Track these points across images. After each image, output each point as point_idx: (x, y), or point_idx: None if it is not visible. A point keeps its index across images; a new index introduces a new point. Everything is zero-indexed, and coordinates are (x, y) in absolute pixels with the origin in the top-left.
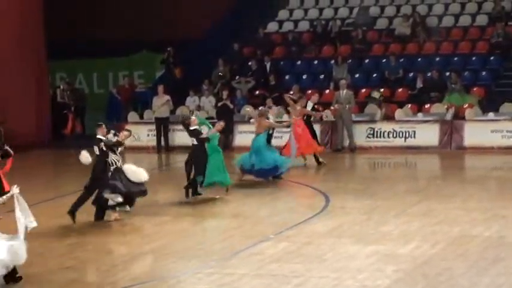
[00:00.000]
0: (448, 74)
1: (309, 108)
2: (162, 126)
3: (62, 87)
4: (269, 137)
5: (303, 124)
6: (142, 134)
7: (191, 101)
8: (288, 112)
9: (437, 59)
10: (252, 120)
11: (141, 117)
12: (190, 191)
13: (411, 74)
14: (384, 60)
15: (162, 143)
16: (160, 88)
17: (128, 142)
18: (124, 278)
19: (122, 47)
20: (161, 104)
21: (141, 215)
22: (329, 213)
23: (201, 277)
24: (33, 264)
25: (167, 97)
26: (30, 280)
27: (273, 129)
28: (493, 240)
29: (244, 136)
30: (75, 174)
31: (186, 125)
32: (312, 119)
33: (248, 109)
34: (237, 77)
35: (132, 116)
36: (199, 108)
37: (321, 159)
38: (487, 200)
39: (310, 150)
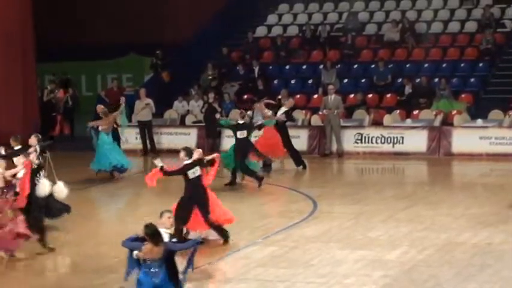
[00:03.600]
0: (436, 80)
1: (280, 112)
2: (146, 129)
3: (49, 88)
4: None
5: (271, 131)
6: (131, 137)
7: (179, 105)
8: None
9: (426, 65)
10: None
11: (130, 120)
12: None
13: (400, 80)
14: (373, 66)
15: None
16: (142, 91)
17: None
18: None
19: (110, 50)
20: (141, 107)
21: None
22: (316, 218)
23: (196, 277)
24: None
25: (148, 100)
26: None
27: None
28: (480, 247)
29: (231, 140)
30: (60, 175)
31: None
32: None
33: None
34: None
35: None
36: (187, 112)
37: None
38: (475, 207)
39: (275, 155)
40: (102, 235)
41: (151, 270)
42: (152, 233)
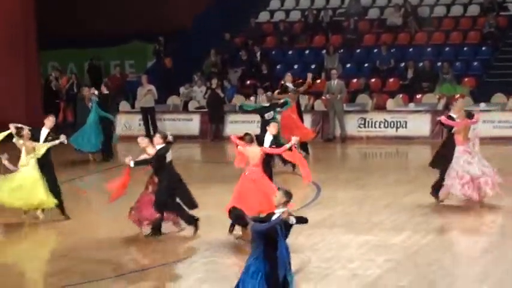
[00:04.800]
0: (439, 64)
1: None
2: (149, 115)
3: (53, 75)
4: None
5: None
6: (133, 123)
7: (186, 92)
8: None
9: (429, 49)
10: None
11: (133, 106)
12: None
13: (402, 64)
14: (375, 50)
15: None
16: (144, 78)
17: (120, 131)
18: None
19: (113, 37)
20: (144, 93)
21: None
22: (320, 203)
23: (196, 266)
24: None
25: (150, 86)
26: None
27: None
28: (484, 230)
29: (235, 126)
30: (62, 162)
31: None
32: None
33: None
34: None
35: (124, 105)
36: (190, 98)
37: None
38: None
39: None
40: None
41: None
42: (236, 217)
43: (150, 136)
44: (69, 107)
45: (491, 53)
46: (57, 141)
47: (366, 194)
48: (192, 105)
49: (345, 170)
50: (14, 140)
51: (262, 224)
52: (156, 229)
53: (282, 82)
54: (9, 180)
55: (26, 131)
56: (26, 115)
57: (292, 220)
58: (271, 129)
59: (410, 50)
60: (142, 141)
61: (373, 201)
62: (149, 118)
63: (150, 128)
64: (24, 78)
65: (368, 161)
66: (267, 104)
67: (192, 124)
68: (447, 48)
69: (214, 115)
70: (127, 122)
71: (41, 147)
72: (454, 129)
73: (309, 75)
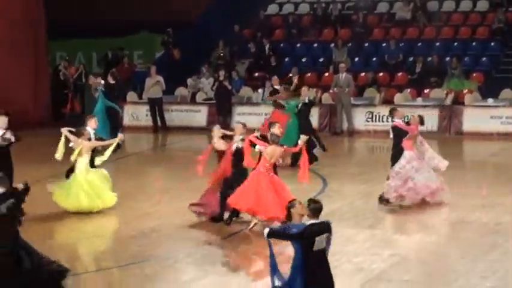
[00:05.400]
0: (448, 59)
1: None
2: (156, 106)
3: (62, 65)
4: None
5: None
6: (141, 113)
7: (193, 84)
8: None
9: (438, 43)
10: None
11: (140, 97)
12: None
13: (411, 59)
14: (384, 45)
15: (159, 123)
16: (153, 69)
17: (127, 122)
18: (122, 256)
19: (121, 27)
20: (152, 84)
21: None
22: (326, 196)
23: (197, 257)
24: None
25: (159, 77)
26: None
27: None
28: (490, 227)
29: (242, 118)
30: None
31: None
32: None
33: None
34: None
35: (131, 95)
36: (198, 89)
37: None
38: (485, 186)
39: None
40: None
41: None
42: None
43: (156, 127)
44: (77, 97)
45: (500, 48)
46: (115, 140)
47: (372, 188)
48: (199, 97)
49: (351, 164)
50: (72, 144)
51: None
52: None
53: (290, 75)
54: (76, 186)
55: (87, 131)
56: (33, 105)
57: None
58: (276, 130)
59: (419, 44)
60: (218, 131)
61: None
62: (157, 109)
63: (158, 119)
64: (33, 68)
65: (375, 155)
66: (307, 101)
67: (200, 116)
68: (456, 43)
69: (222, 107)
70: (134, 113)
71: (99, 147)
72: (408, 135)
73: (294, 72)
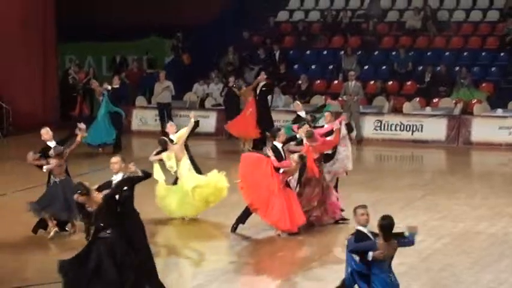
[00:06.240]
0: (457, 68)
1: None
2: (165, 111)
3: (72, 69)
4: None
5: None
6: (149, 118)
7: (200, 89)
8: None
9: (447, 53)
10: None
11: (149, 101)
12: None
13: (420, 68)
14: (394, 53)
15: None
16: (162, 74)
17: (136, 126)
18: None
19: (131, 31)
20: (161, 89)
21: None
22: None
23: (205, 264)
24: None
25: (168, 83)
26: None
27: None
28: (497, 237)
29: None
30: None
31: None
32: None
33: None
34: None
35: (140, 100)
36: (207, 95)
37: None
38: (493, 197)
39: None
40: None
41: (389, 270)
42: (389, 226)
43: (165, 132)
44: (86, 100)
45: (509, 58)
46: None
47: (380, 197)
48: (208, 103)
49: (359, 172)
50: (167, 153)
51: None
52: None
53: (299, 82)
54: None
55: (166, 140)
56: (42, 107)
57: (369, 257)
58: (281, 138)
59: (429, 53)
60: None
61: (387, 204)
62: (166, 114)
63: (166, 124)
64: (42, 70)
65: (383, 163)
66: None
67: (209, 121)
68: (465, 53)
69: (231, 113)
70: (143, 117)
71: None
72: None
73: (303, 79)
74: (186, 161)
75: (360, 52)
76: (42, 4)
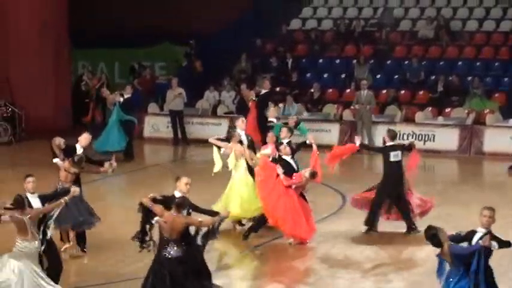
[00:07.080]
0: (470, 78)
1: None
2: (178, 118)
3: (86, 75)
4: None
5: None
6: (161, 125)
7: (210, 95)
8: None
9: (460, 63)
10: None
11: (161, 108)
12: None
13: (433, 77)
14: (406, 62)
15: (179, 135)
16: (174, 81)
17: (147, 133)
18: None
19: (144, 38)
20: (174, 96)
21: None
22: (345, 213)
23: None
24: None
25: (180, 90)
26: None
27: None
28: (509, 248)
29: None
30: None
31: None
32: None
33: None
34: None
35: (152, 107)
36: (219, 102)
37: None
38: (505, 207)
39: None
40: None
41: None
42: (432, 236)
43: (177, 139)
44: (99, 106)
45: None
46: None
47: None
48: (220, 110)
49: (371, 181)
50: (223, 150)
51: (463, 247)
52: None
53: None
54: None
55: (237, 132)
56: (54, 113)
57: (494, 246)
58: (283, 134)
59: (441, 63)
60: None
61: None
62: (178, 121)
63: (178, 131)
64: (55, 76)
65: None
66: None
67: (221, 129)
68: (478, 63)
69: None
70: (155, 124)
71: (254, 157)
72: None
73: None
74: (243, 163)
75: (372, 61)
76: (56, 11)
